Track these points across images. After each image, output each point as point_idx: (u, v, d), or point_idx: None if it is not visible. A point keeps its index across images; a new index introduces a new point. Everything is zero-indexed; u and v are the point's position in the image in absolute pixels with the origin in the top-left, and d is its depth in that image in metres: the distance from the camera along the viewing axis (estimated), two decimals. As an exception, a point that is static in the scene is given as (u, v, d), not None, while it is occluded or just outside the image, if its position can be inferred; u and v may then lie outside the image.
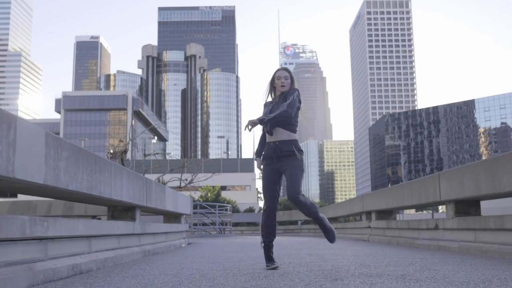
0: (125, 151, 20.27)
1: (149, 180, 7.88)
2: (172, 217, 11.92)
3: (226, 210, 23.00)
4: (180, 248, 10.64)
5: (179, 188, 23.25)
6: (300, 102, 5.06)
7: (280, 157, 4.90)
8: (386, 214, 12.11)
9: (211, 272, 4.56)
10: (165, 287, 3.48)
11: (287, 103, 4.91)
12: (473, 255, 6.27)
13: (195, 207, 21.65)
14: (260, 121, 4.82)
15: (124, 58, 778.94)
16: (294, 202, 4.77)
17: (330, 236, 4.92)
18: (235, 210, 41.49)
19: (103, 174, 5.42)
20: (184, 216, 16.54)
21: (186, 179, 23.03)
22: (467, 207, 7.40)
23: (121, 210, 7.27)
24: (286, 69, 5.19)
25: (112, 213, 7.27)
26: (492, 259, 5.57)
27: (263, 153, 5.12)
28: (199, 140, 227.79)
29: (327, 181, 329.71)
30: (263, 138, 5.24)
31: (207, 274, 4.30)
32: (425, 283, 3.41)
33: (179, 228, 11.80)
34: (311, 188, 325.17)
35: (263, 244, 4.97)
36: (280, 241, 13.23)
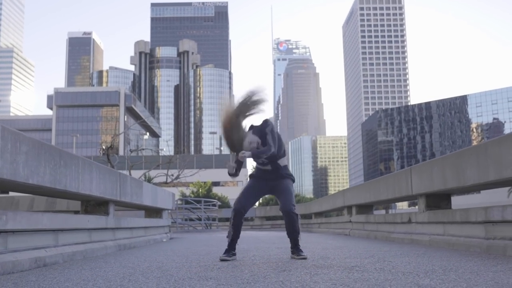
0: (111, 147, 20.29)
1: (123, 174, 7.91)
2: (153, 212, 11.96)
3: (214, 205, 23.07)
4: (161, 242, 10.68)
5: (166, 183, 23.33)
6: (273, 132, 5.14)
7: (277, 177, 5.15)
8: (366, 208, 12.20)
9: (170, 264, 4.63)
10: (116, 277, 3.54)
11: (270, 144, 5.03)
12: (441, 248, 6.35)
13: (180, 202, 21.68)
14: (253, 155, 5.03)
15: (117, 54, 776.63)
16: (289, 214, 5.02)
17: (298, 251, 5.10)
18: (226, 205, 41.55)
19: (69, 168, 5.45)
20: (169, 211, 16.59)
21: (172, 175, 23.10)
22: (438, 201, 7.48)
23: (94, 205, 7.32)
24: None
25: (86, 208, 7.32)
26: (457, 251, 5.65)
27: (253, 174, 5.31)
28: (192, 136, 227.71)
29: (321, 177, 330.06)
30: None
31: (163, 266, 4.37)
32: (370, 273, 3.48)
33: (159, 223, 11.84)
34: (304, 184, 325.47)
35: (229, 239, 5.10)
36: (261, 236, 13.31)
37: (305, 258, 4.95)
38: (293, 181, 5.28)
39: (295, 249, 5.11)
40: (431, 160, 7.09)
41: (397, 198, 8.94)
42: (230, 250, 5.04)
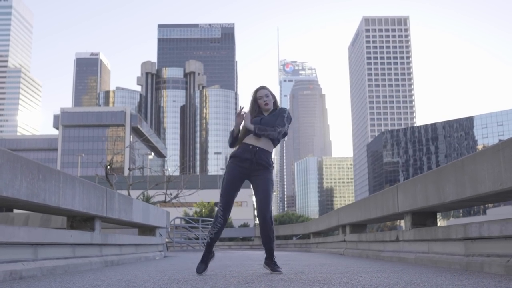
0: (110, 165, 20.38)
1: (110, 190, 7.94)
2: (146, 229, 11.97)
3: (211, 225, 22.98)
4: (153, 260, 10.67)
5: (164, 202, 23.36)
6: (289, 121, 5.19)
7: (257, 164, 4.98)
8: (359, 227, 12.15)
9: (142, 277, 4.65)
10: (78, 289, 3.56)
11: (280, 129, 5.05)
12: (425, 266, 6.32)
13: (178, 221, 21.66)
14: (254, 129, 4.96)
15: (124, 75, 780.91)
16: (264, 220, 4.92)
17: (273, 265, 5.02)
18: (228, 225, 41.50)
19: (49, 182, 5.49)
20: (168, 230, 16.57)
21: (171, 194, 23.13)
22: (424, 218, 7.47)
23: (80, 220, 7.35)
24: (265, 88, 5.22)
25: (72, 223, 7.36)
26: (438, 268, 5.62)
27: (235, 152, 5.10)
28: (197, 157, 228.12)
29: (326, 198, 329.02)
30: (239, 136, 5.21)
31: (133, 279, 4.39)
32: (331, 286, 3.49)
33: (152, 241, 11.83)
34: (310, 205, 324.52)
35: (208, 240, 5.10)
36: (254, 254, 13.26)
37: (280, 273, 4.86)
38: (273, 168, 5.19)
39: (271, 262, 5.00)
40: (414, 178, 7.10)
41: (385, 216, 8.92)
42: (209, 252, 5.06)
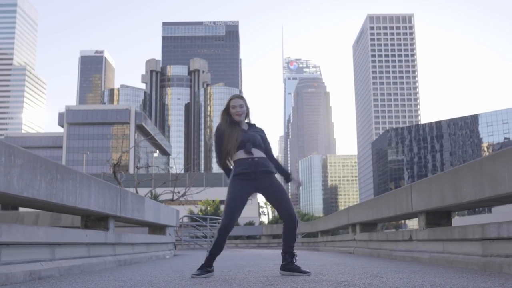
0: (118, 164, 20.42)
1: (123, 190, 7.94)
2: (156, 228, 11.97)
3: (219, 223, 23.02)
4: (164, 259, 10.67)
5: (172, 200, 23.41)
6: None
7: (261, 173, 4.85)
8: (370, 226, 12.14)
9: (163, 278, 4.66)
10: (104, 290, 3.56)
11: (271, 151, 5.14)
12: (440, 266, 6.30)
13: (186, 219, 21.70)
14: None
15: (128, 73, 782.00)
16: (294, 221, 4.84)
17: (298, 267, 4.88)
18: (235, 224, 41.42)
19: (66, 182, 5.49)
20: (175, 228, 16.59)
21: (178, 192, 23.20)
22: (438, 218, 7.45)
23: (94, 220, 7.35)
24: (240, 97, 5.10)
25: (86, 223, 7.35)
26: (454, 269, 5.61)
27: (237, 171, 4.90)
28: (202, 154, 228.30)
29: (331, 196, 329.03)
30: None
31: (155, 280, 4.39)
32: (356, 287, 3.48)
33: (163, 240, 11.84)
34: (314, 203, 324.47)
35: (208, 254, 4.91)
36: (264, 253, 13.28)
37: (309, 274, 4.73)
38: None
39: (293, 264, 4.82)
40: (430, 177, 7.08)
41: (398, 215, 8.91)
42: (206, 266, 4.80)
